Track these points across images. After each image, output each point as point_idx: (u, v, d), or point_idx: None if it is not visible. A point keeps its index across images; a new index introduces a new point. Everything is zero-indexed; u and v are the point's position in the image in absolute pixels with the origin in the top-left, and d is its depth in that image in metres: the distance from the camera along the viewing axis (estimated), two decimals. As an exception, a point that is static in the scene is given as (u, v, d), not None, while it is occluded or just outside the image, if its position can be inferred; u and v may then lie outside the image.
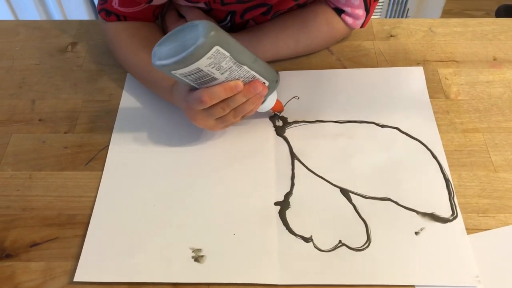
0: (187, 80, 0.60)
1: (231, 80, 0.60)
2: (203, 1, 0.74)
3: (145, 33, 0.77)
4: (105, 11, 0.75)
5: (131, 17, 0.76)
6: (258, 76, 0.62)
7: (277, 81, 0.66)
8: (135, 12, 0.75)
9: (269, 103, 0.70)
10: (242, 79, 0.61)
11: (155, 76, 0.72)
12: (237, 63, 0.58)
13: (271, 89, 0.66)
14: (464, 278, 0.59)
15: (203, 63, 0.56)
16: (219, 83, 0.60)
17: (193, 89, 0.63)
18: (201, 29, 0.54)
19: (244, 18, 0.78)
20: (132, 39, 0.76)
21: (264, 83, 0.64)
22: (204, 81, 0.60)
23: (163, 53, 0.57)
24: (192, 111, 0.64)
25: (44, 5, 1.61)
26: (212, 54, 0.55)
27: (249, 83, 0.62)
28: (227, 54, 0.56)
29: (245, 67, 0.60)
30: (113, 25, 0.77)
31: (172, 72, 0.58)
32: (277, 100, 0.72)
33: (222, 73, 0.59)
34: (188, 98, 0.63)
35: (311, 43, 0.81)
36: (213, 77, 0.59)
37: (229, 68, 0.58)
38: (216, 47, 0.55)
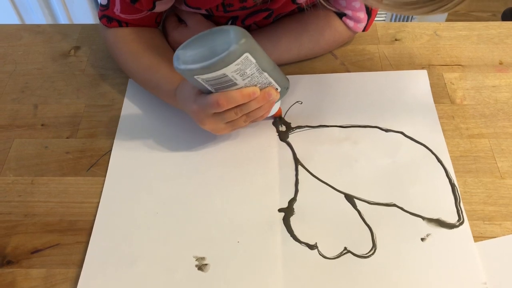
0: (206, 85, 0.60)
1: (249, 86, 0.60)
2: (205, 8, 0.73)
3: (146, 37, 0.76)
4: (106, 18, 0.75)
5: (133, 24, 0.76)
6: (273, 82, 0.63)
7: (287, 88, 0.66)
8: (137, 19, 0.75)
9: (274, 108, 0.70)
10: (259, 85, 0.61)
11: (158, 79, 0.72)
12: (260, 69, 0.59)
13: (281, 95, 0.66)
14: (471, 285, 0.58)
15: (230, 69, 0.56)
16: (236, 88, 0.60)
17: (205, 92, 0.62)
18: (233, 35, 0.54)
19: (245, 23, 0.78)
20: (133, 44, 0.75)
21: (277, 89, 0.64)
22: (224, 86, 0.59)
23: (189, 57, 0.57)
24: (203, 114, 0.64)
25: (50, 8, 1.61)
26: (241, 61, 0.55)
27: (265, 89, 0.62)
28: (254, 61, 0.57)
29: (265, 74, 0.60)
30: (114, 30, 0.76)
31: (195, 76, 0.57)
32: None
33: (243, 79, 0.59)
34: (201, 101, 0.62)
35: (313, 47, 0.80)
36: (234, 82, 0.59)
37: (251, 75, 0.58)
38: (246, 54, 0.55)
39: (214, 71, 0.55)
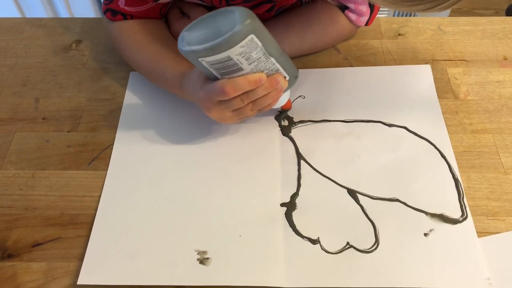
0: (211, 69, 0.58)
1: (255, 72, 0.59)
2: (208, 0, 0.73)
3: (151, 28, 0.76)
4: (111, 11, 0.74)
5: (138, 16, 0.75)
6: (281, 69, 0.61)
7: (296, 77, 0.65)
8: (141, 11, 0.74)
9: (283, 99, 0.69)
10: (266, 72, 0.60)
11: (163, 69, 0.71)
12: (266, 54, 0.57)
13: (289, 84, 0.65)
14: (475, 281, 0.57)
15: (235, 51, 0.54)
16: (242, 74, 0.59)
17: (211, 78, 0.61)
18: (238, 15, 0.53)
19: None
20: (137, 35, 0.75)
21: (285, 77, 0.63)
22: (229, 71, 0.58)
23: (194, 38, 0.55)
24: (209, 102, 0.63)
25: (51, 3, 1.61)
26: (245, 43, 0.54)
27: (272, 76, 0.61)
28: (260, 44, 0.55)
29: (272, 59, 0.58)
30: (119, 24, 0.76)
31: (199, 59, 0.56)
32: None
33: (249, 64, 0.57)
34: (208, 88, 0.61)
35: (316, 41, 0.80)
36: (240, 67, 0.57)
37: (257, 59, 0.57)
38: (251, 36, 0.54)
39: (219, 53, 0.54)
